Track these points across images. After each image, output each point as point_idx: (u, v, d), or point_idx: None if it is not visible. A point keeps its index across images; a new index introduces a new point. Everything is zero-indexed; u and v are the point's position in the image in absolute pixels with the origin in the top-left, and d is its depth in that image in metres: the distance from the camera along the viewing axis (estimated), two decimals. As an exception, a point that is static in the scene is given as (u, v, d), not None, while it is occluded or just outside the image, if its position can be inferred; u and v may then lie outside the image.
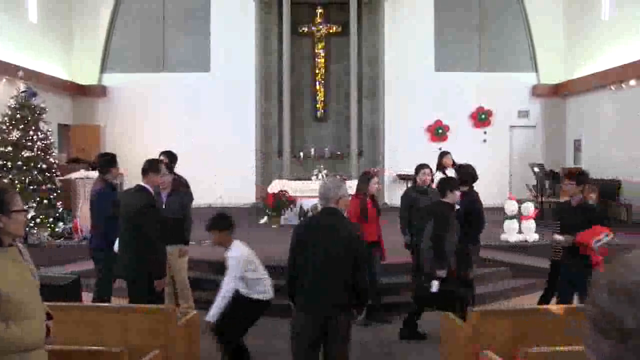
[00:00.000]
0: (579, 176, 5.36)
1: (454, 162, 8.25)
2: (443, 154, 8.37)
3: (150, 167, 5.28)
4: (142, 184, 5.21)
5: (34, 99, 10.19)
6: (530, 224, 9.17)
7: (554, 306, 5.08)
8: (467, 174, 6.21)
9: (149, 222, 5.00)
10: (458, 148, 14.60)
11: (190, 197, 6.66)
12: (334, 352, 3.77)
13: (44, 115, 10.28)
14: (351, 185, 11.70)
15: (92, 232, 5.97)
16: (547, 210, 11.67)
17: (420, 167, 6.67)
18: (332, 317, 3.71)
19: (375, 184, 6.55)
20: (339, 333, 3.76)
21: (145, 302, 4.87)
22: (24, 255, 2.68)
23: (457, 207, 6.04)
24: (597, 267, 5.00)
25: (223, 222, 4.73)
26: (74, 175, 10.27)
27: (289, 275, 3.83)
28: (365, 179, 6.54)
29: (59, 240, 9.43)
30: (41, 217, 9.55)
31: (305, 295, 3.72)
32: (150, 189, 5.22)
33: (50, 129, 10.71)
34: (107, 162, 5.84)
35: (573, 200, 5.25)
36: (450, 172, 8.02)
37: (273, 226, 11.10)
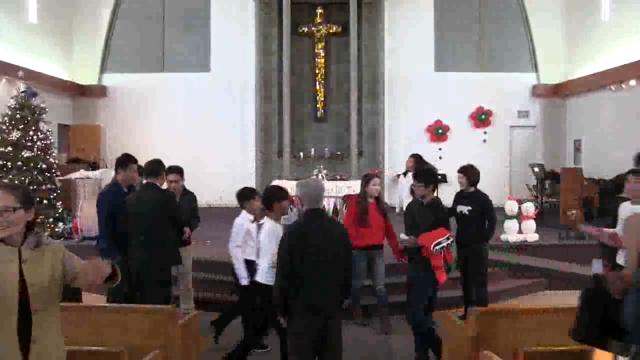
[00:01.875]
0: (427, 177, 5.24)
1: (416, 163, 8.21)
2: (410, 156, 8.36)
3: (162, 168, 5.47)
4: (155, 182, 5.34)
5: (34, 99, 10.19)
6: (530, 224, 9.17)
7: (554, 306, 5.08)
8: (475, 175, 6.16)
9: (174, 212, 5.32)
10: (458, 148, 14.66)
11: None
12: (333, 350, 3.79)
13: (44, 115, 10.28)
14: (351, 185, 11.77)
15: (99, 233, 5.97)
16: (547, 210, 11.68)
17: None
18: (331, 317, 3.73)
19: (375, 185, 6.29)
20: (336, 332, 3.80)
21: (154, 299, 4.95)
22: (27, 256, 2.60)
23: (469, 208, 5.99)
24: (437, 271, 4.91)
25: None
26: (74, 175, 10.27)
27: (282, 282, 3.74)
28: (364, 180, 6.36)
29: (58, 241, 9.41)
30: (41, 217, 9.54)
31: (307, 298, 3.69)
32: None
33: (50, 129, 10.70)
34: (117, 163, 5.69)
35: (424, 201, 5.18)
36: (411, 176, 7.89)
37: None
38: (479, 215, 5.96)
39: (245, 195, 5.53)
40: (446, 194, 9.06)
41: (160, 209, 5.12)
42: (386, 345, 5.85)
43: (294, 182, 11.96)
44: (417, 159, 8.53)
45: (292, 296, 3.72)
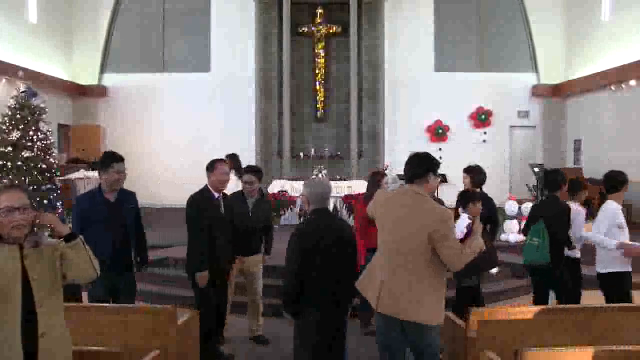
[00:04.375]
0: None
1: (232, 164, 8.33)
2: (227, 156, 8.44)
3: (209, 166, 5.06)
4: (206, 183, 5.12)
5: (34, 99, 10.19)
6: (531, 224, 9.15)
7: (554, 306, 5.07)
8: (480, 176, 6.07)
9: (187, 217, 5.02)
10: (458, 148, 14.67)
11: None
12: (340, 349, 3.88)
13: (44, 116, 10.27)
14: (351, 185, 11.75)
15: None
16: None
17: None
18: (341, 315, 3.83)
19: (386, 183, 6.18)
20: (344, 331, 3.86)
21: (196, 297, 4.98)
22: (28, 252, 2.65)
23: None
24: None
25: None
26: (74, 175, 10.29)
27: (293, 285, 3.71)
28: (374, 180, 6.16)
29: (57, 240, 9.38)
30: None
31: (320, 296, 3.71)
32: (210, 189, 5.05)
33: (50, 129, 10.70)
34: (101, 162, 4.71)
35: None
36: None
37: (274, 226, 11.10)
38: (485, 217, 5.85)
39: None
40: (447, 195, 9.07)
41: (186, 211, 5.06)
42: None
43: (294, 182, 12.02)
44: (232, 158, 8.60)
45: (304, 295, 3.71)
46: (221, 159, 5.21)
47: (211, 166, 5.06)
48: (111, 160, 4.55)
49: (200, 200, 5.02)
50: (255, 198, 5.71)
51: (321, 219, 3.81)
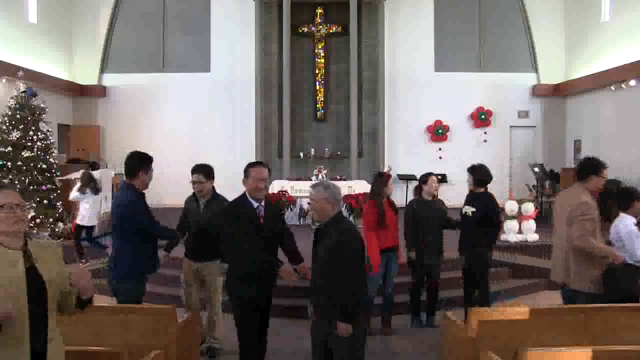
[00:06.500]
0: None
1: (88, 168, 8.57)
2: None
3: (244, 171, 4.55)
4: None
5: (34, 99, 10.19)
6: (530, 224, 9.17)
7: (554, 306, 5.07)
8: (484, 175, 6.04)
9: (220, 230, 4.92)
10: (458, 148, 14.67)
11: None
12: None
13: (43, 116, 10.27)
14: (351, 186, 11.75)
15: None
16: (547, 210, 11.69)
17: (427, 176, 6.37)
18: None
19: (391, 184, 6.14)
20: None
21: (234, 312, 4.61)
22: (37, 255, 2.61)
23: (473, 209, 5.91)
24: None
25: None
26: (74, 175, 10.28)
27: (362, 286, 3.72)
28: (381, 181, 6.06)
29: (59, 241, 9.42)
30: (41, 217, 9.55)
31: (367, 299, 3.91)
32: (248, 197, 4.43)
33: (50, 129, 10.70)
34: (139, 164, 4.60)
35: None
36: None
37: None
38: (480, 217, 5.83)
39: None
40: (447, 195, 9.08)
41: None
42: (387, 345, 5.85)
43: (295, 182, 12.00)
44: (91, 167, 8.93)
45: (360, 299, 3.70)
46: (258, 162, 4.63)
47: (245, 171, 4.47)
48: (149, 160, 4.61)
49: (233, 211, 4.42)
50: (206, 199, 5.22)
51: (349, 221, 3.94)
